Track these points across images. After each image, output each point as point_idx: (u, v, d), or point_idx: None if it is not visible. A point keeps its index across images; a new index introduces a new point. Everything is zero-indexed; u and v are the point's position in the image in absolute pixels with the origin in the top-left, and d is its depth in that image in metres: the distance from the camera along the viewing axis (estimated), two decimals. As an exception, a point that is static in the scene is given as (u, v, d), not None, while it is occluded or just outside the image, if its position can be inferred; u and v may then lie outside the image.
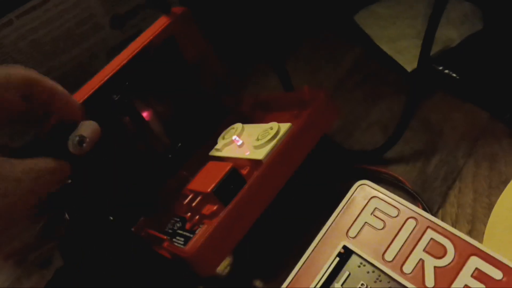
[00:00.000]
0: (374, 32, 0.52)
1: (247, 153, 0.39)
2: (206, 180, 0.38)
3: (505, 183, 0.41)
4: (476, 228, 0.40)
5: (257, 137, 0.39)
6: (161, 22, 0.41)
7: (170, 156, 0.43)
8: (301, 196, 0.44)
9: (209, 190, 0.36)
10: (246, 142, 0.40)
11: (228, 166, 0.37)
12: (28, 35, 0.44)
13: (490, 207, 0.40)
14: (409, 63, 0.49)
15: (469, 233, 0.40)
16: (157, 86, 0.43)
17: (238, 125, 0.42)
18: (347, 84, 0.52)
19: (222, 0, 0.58)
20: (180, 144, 0.44)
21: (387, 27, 0.52)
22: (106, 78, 0.39)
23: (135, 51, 0.40)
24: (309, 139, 0.39)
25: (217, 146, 0.42)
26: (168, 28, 0.41)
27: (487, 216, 0.39)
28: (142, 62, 0.40)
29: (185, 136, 0.44)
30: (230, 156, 0.40)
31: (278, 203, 0.38)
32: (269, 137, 0.38)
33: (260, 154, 0.38)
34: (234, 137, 0.41)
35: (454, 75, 0.47)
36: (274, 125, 0.39)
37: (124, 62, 0.40)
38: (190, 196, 0.38)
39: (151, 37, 0.40)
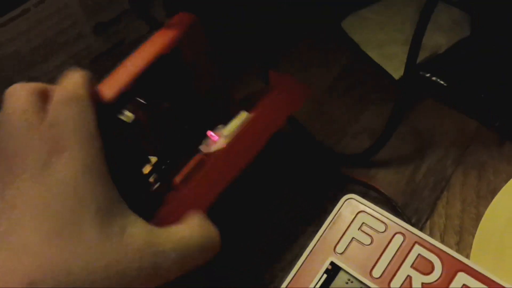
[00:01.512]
0: (362, 39, 0.51)
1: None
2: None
3: (493, 193, 0.40)
4: (464, 239, 0.40)
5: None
6: (169, 33, 0.40)
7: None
8: (286, 205, 0.43)
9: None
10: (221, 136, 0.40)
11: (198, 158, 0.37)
12: (8, 45, 0.43)
13: (478, 217, 0.40)
14: (397, 70, 0.48)
15: (457, 244, 0.40)
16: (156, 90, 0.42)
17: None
18: (337, 90, 0.51)
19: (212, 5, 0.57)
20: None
21: (375, 32, 0.51)
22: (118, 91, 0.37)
23: (145, 64, 0.38)
24: (274, 118, 0.39)
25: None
26: (176, 38, 0.40)
27: (475, 227, 0.39)
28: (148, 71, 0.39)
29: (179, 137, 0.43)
30: (208, 151, 0.40)
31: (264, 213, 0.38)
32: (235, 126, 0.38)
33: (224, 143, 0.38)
34: (209, 132, 0.41)
35: (442, 82, 0.47)
36: (243, 114, 0.39)
37: (135, 74, 0.38)
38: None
39: (160, 50, 0.39)
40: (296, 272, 0.34)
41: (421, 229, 0.41)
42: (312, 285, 0.33)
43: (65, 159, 0.27)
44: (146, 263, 0.27)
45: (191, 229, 0.31)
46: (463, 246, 0.39)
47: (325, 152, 0.46)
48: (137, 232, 0.28)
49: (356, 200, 0.35)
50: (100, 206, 0.27)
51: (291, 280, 0.34)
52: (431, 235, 0.41)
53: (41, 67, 0.46)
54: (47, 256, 0.25)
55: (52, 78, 0.46)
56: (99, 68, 0.50)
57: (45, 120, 0.28)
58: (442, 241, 0.40)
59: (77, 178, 0.27)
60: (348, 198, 0.35)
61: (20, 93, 0.29)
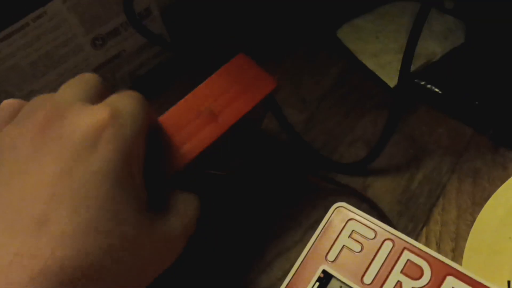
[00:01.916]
0: (357, 47, 0.52)
1: None
2: None
3: (488, 199, 0.40)
4: (459, 245, 0.40)
5: None
6: (252, 98, 0.38)
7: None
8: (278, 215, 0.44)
9: None
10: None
11: None
12: (8, 60, 0.44)
13: (473, 224, 0.40)
14: (392, 78, 0.49)
15: (453, 251, 0.40)
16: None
17: None
18: (331, 99, 0.51)
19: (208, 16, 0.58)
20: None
21: (370, 41, 0.52)
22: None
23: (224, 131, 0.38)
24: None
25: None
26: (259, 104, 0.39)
27: (470, 233, 0.39)
28: None
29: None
30: None
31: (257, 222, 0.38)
32: None
33: None
34: None
35: (436, 90, 0.47)
36: None
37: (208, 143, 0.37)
38: None
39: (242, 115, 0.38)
40: (289, 281, 0.34)
41: (417, 236, 0.41)
42: (305, 293, 0.33)
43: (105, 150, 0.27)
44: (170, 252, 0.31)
45: (183, 217, 0.32)
46: (459, 253, 0.39)
47: (323, 161, 0.46)
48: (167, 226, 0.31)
49: (346, 208, 0.35)
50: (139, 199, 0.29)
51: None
52: (427, 242, 0.41)
53: (41, 81, 0.47)
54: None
55: (51, 91, 0.48)
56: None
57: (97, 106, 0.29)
58: (438, 248, 0.40)
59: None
60: (338, 206, 0.35)
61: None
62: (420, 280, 0.31)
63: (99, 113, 0.28)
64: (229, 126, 0.37)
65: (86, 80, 0.32)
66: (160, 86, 0.55)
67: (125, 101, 0.30)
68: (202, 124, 0.37)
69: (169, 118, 0.37)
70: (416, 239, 0.40)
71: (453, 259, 0.39)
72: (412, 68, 0.48)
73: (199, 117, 0.37)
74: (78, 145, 0.27)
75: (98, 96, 0.31)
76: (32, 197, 0.25)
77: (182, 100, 0.38)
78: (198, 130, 0.37)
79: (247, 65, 0.40)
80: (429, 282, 0.31)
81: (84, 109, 0.28)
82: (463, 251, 0.38)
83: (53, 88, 0.48)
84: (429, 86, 0.48)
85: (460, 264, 0.37)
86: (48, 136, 0.27)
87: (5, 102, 0.31)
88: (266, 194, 0.44)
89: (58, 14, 0.45)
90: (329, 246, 0.34)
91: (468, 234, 0.39)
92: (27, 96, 0.47)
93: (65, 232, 0.25)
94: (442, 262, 0.31)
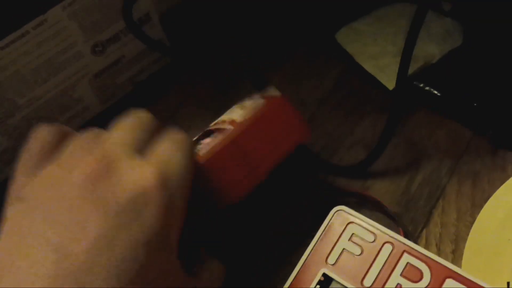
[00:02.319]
0: (355, 50, 0.52)
1: None
2: None
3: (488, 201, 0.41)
4: (459, 247, 0.40)
5: None
6: (288, 147, 0.40)
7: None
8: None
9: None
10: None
11: None
12: (9, 67, 0.44)
13: (472, 225, 0.40)
14: (390, 81, 0.49)
15: (453, 253, 0.40)
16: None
17: None
18: (330, 101, 0.52)
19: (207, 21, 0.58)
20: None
21: (368, 44, 0.52)
22: None
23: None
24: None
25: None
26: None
27: (470, 235, 0.39)
28: None
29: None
30: None
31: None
32: None
33: None
34: None
35: (435, 92, 0.47)
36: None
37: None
38: None
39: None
40: (290, 284, 0.35)
41: (417, 238, 0.41)
42: (306, 296, 0.33)
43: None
44: None
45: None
46: (459, 254, 0.39)
47: (322, 164, 0.46)
48: None
49: (346, 212, 0.36)
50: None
51: (285, 292, 0.34)
52: (427, 244, 0.41)
53: (42, 88, 0.47)
54: None
55: (52, 97, 0.48)
56: (98, 86, 0.52)
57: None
58: (438, 250, 0.40)
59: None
60: (338, 210, 0.36)
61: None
62: (420, 282, 0.32)
63: (147, 175, 0.28)
64: (267, 176, 0.38)
65: (139, 121, 0.31)
66: (160, 91, 0.56)
67: (175, 158, 0.30)
68: (241, 173, 0.37)
69: (210, 162, 0.36)
70: (416, 241, 0.41)
71: (453, 260, 0.39)
72: (410, 70, 0.49)
73: (238, 165, 0.37)
74: (123, 210, 0.26)
75: (150, 136, 0.30)
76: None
77: (221, 145, 0.37)
78: (237, 179, 0.37)
79: (285, 109, 0.40)
80: (428, 284, 0.31)
81: (133, 166, 0.28)
82: (463, 253, 0.38)
83: (54, 93, 0.48)
84: (427, 88, 0.48)
85: (460, 265, 0.37)
86: (95, 192, 0.26)
87: (43, 128, 0.30)
88: (266, 197, 0.45)
89: (58, 22, 0.45)
90: (329, 249, 0.35)
91: (467, 235, 0.39)
92: (29, 103, 0.47)
93: None
94: (442, 264, 0.32)
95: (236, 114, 0.39)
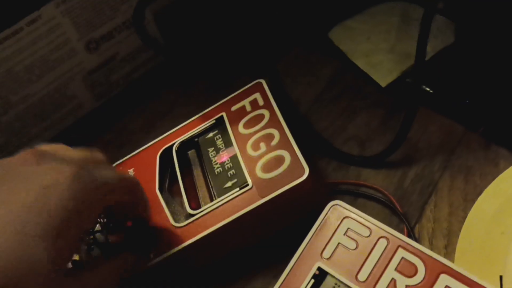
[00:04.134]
0: (349, 48, 0.52)
1: None
2: None
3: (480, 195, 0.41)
4: (452, 242, 0.40)
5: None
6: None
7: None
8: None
9: None
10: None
11: None
12: (2, 64, 0.44)
13: (465, 220, 0.40)
14: (383, 78, 0.49)
15: (446, 248, 0.40)
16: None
17: None
18: (324, 99, 0.52)
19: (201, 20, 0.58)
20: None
21: (361, 42, 0.52)
22: None
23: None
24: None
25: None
26: None
27: (463, 230, 0.40)
28: None
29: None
30: None
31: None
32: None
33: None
34: None
35: (427, 89, 0.48)
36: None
37: None
38: None
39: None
40: (285, 278, 0.35)
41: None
42: (301, 290, 0.34)
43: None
44: None
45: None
46: (452, 249, 0.40)
47: (342, 155, 0.47)
48: None
49: (342, 206, 0.36)
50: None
51: (280, 285, 0.34)
52: (420, 239, 0.41)
53: (36, 85, 0.47)
54: None
55: (46, 94, 0.48)
56: (92, 83, 0.51)
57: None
58: (431, 245, 0.41)
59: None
60: (334, 205, 0.36)
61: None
62: (414, 277, 0.32)
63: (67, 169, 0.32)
64: None
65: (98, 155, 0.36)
66: (154, 89, 0.56)
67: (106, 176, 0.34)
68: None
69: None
70: (409, 236, 0.41)
71: (446, 255, 0.40)
72: (403, 67, 0.49)
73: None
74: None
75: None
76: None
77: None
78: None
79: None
80: (423, 279, 0.32)
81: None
82: (456, 248, 0.38)
83: (48, 91, 0.48)
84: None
85: (453, 260, 0.37)
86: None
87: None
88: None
89: (52, 19, 0.45)
90: (325, 244, 0.35)
91: (460, 230, 0.39)
92: (23, 100, 0.47)
93: None
94: (436, 260, 0.32)
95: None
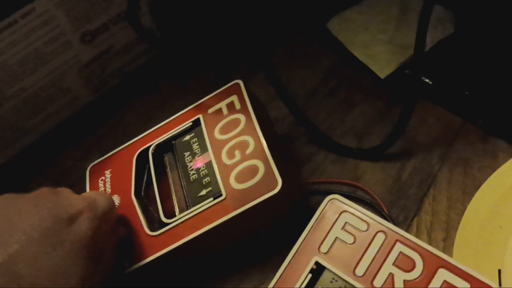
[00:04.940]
0: (347, 39, 0.52)
1: None
2: None
3: (479, 189, 0.41)
4: (450, 235, 0.40)
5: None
6: None
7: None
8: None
9: None
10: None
11: None
12: (-5, 58, 0.44)
13: (464, 213, 0.40)
14: (382, 69, 0.49)
15: (444, 241, 0.40)
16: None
17: None
18: (322, 91, 0.51)
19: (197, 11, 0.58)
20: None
21: (359, 33, 0.52)
22: None
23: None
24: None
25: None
26: None
27: (461, 223, 0.39)
28: None
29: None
30: None
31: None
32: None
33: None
34: None
35: (426, 80, 0.47)
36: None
37: None
38: None
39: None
40: (283, 272, 0.34)
41: (408, 227, 0.41)
42: (298, 284, 0.33)
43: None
44: None
45: None
46: (450, 242, 0.40)
47: (340, 148, 0.46)
48: None
49: (339, 201, 0.36)
50: None
51: (277, 280, 0.34)
52: (418, 232, 0.41)
53: (31, 78, 0.47)
54: None
55: (40, 88, 0.48)
56: (87, 76, 0.51)
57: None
58: (429, 238, 0.41)
59: None
60: (332, 199, 0.36)
61: None
62: (412, 272, 0.32)
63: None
64: None
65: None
66: (150, 81, 0.55)
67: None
68: None
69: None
70: (407, 230, 0.41)
71: (444, 249, 0.39)
72: (402, 59, 0.49)
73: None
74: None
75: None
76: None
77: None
78: None
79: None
80: (421, 274, 0.31)
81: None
82: (454, 241, 0.38)
83: (42, 84, 0.48)
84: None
85: (451, 254, 0.37)
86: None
87: None
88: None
89: (46, 11, 0.45)
90: (322, 238, 0.35)
91: (459, 223, 0.39)
92: (17, 94, 0.46)
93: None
94: (434, 254, 0.32)
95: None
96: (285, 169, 0.39)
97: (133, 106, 0.54)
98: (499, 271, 0.34)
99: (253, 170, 0.38)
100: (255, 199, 0.37)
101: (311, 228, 0.35)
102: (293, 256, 0.35)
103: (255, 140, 0.40)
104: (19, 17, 0.43)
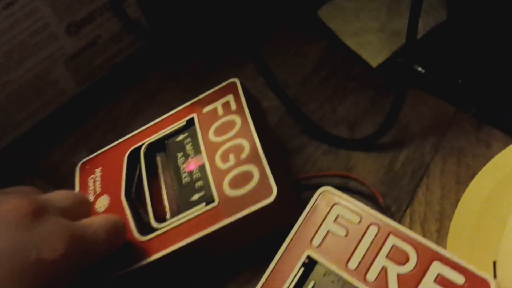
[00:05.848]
0: (338, 27, 0.51)
1: None
2: None
3: (473, 178, 0.40)
4: (444, 226, 0.40)
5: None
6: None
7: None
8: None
9: None
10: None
11: None
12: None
13: (458, 203, 0.40)
14: (373, 57, 0.48)
15: (438, 231, 0.40)
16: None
17: None
18: (313, 80, 0.51)
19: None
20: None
21: (350, 21, 0.51)
22: None
23: None
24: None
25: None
26: None
27: (455, 213, 0.39)
28: None
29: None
30: None
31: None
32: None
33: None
34: None
35: (419, 68, 0.47)
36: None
37: None
38: None
39: None
40: (274, 266, 0.34)
41: (401, 218, 0.41)
42: (290, 279, 0.33)
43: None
44: None
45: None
46: (444, 233, 0.39)
47: (332, 139, 0.46)
48: None
49: (331, 193, 0.35)
50: None
51: (269, 274, 0.34)
52: (411, 223, 0.41)
53: (16, 71, 0.46)
54: None
55: (26, 81, 0.47)
56: (74, 68, 0.50)
57: None
58: (423, 229, 0.40)
59: None
60: (323, 191, 0.35)
61: None
62: (406, 265, 0.31)
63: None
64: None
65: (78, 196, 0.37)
66: (139, 73, 0.55)
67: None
68: None
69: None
70: (400, 221, 0.40)
71: (438, 239, 0.39)
72: (394, 47, 0.48)
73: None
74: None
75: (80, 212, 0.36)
76: None
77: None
78: None
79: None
80: (415, 267, 0.31)
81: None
82: (448, 232, 0.38)
83: (28, 77, 0.47)
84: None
85: (445, 245, 0.37)
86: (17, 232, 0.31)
87: None
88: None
89: (30, 2, 0.44)
90: (314, 231, 0.34)
91: (453, 214, 0.39)
92: (2, 88, 0.45)
93: None
94: (428, 247, 0.31)
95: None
96: (280, 176, 0.37)
97: (122, 98, 0.53)
98: (494, 263, 0.34)
99: (248, 176, 0.37)
100: (249, 207, 0.35)
101: (302, 221, 0.35)
102: (284, 250, 0.34)
103: (251, 144, 0.38)
104: (1, 8, 0.42)
